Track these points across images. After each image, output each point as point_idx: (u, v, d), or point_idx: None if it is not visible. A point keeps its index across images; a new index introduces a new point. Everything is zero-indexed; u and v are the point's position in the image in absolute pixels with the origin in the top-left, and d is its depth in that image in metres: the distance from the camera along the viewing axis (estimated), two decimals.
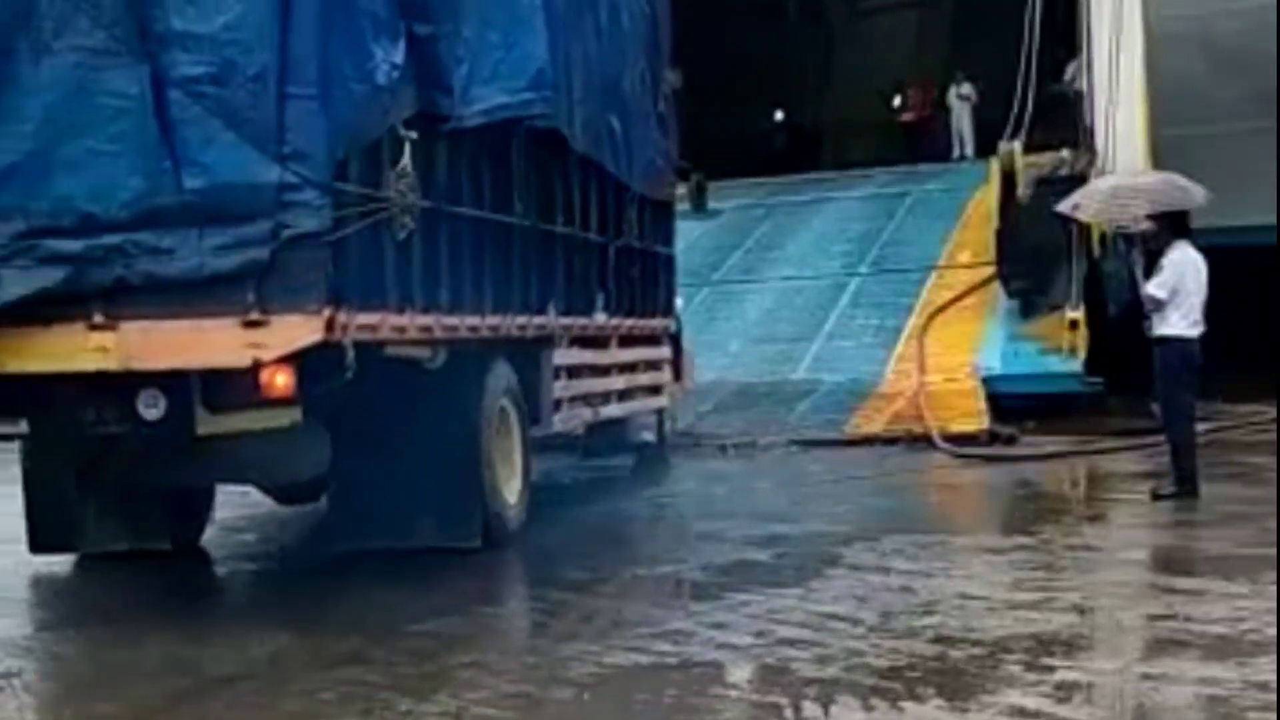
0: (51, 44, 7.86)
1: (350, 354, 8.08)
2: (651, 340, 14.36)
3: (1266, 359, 15.45)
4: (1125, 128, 18.12)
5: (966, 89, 29.31)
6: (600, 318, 12.56)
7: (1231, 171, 16.59)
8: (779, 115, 34.06)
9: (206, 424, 8.30)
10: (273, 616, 9.22)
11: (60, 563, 10.88)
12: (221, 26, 7.75)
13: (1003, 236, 18.58)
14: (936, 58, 31.82)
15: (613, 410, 13.29)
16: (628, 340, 13.49)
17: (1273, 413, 14.57)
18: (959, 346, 17.44)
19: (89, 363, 7.95)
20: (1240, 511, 11.19)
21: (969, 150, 28.78)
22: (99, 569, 10.70)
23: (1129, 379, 14.67)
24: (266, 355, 7.81)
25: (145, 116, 7.77)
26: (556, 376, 11.54)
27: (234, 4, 7.76)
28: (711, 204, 24.84)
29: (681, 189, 15.86)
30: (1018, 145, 19.40)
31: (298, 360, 7.92)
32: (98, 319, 7.91)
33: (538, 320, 10.99)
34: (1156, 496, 11.85)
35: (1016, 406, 15.50)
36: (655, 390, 14.62)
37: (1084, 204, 13.12)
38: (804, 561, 10.17)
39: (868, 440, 15.04)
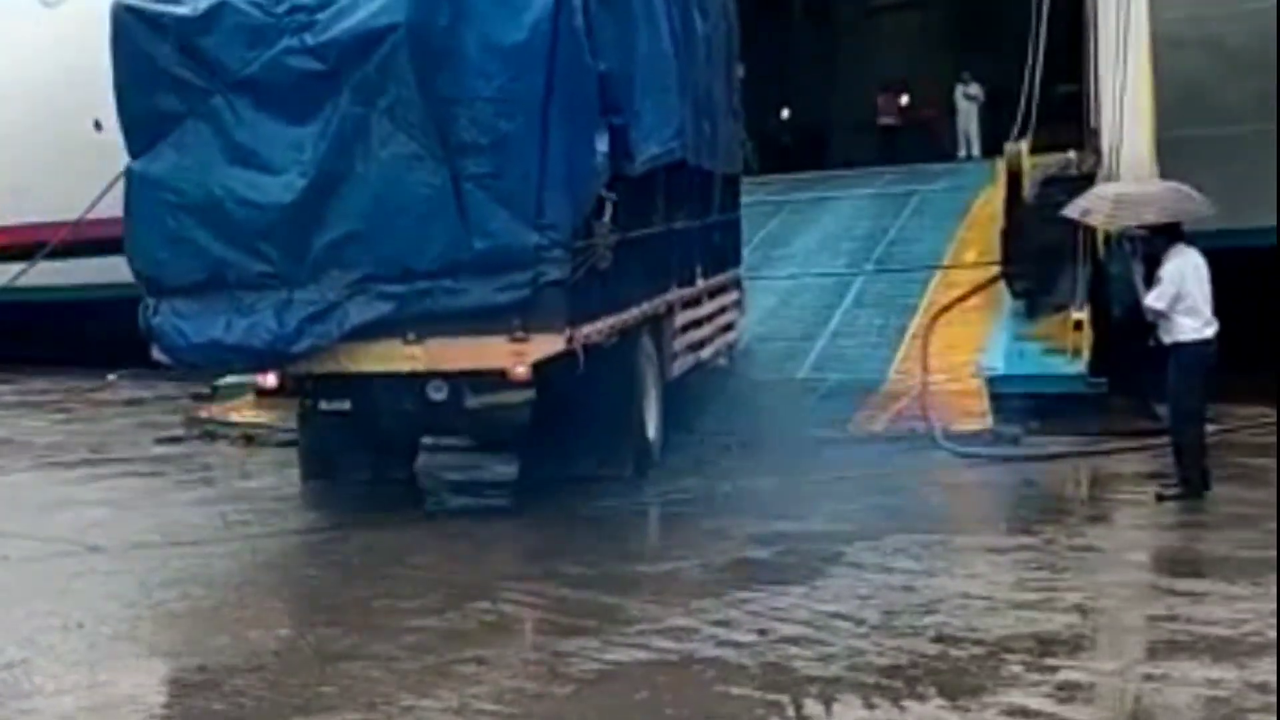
0: (379, 152, 11.22)
1: (582, 357, 11.36)
2: (727, 289, 17.18)
3: (1266, 360, 15.42)
4: (1131, 129, 18.09)
5: (974, 89, 29.31)
6: (700, 283, 15.51)
7: (1237, 174, 16.55)
8: (785, 114, 34.02)
9: (471, 401, 11.49)
10: (277, 608, 9.24)
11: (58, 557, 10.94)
12: (499, 140, 11.05)
13: (1008, 237, 18.54)
14: (943, 57, 31.78)
15: (705, 353, 15.86)
16: (713, 292, 16.26)
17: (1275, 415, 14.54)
18: (963, 346, 17.37)
19: (403, 366, 11.39)
20: (1243, 513, 11.17)
21: (975, 150, 28.77)
22: (81, 556, 10.75)
23: (1133, 380, 14.65)
24: (526, 361, 11.15)
25: (446, 200, 11.11)
26: (674, 336, 14.37)
27: (507, 125, 11.03)
28: None
29: None
30: (1024, 145, 19.37)
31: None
32: (410, 336, 11.30)
33: (667, 298, 14.04)
34: (1160, 498, 11.84)
35: (1020, 406, 15.47)
36: (729, 328, 17.30)
37: (1093, 210, 12.98)
38: (806, 560, 10.17)
39: (871, 439, 15.01)
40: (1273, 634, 7.70)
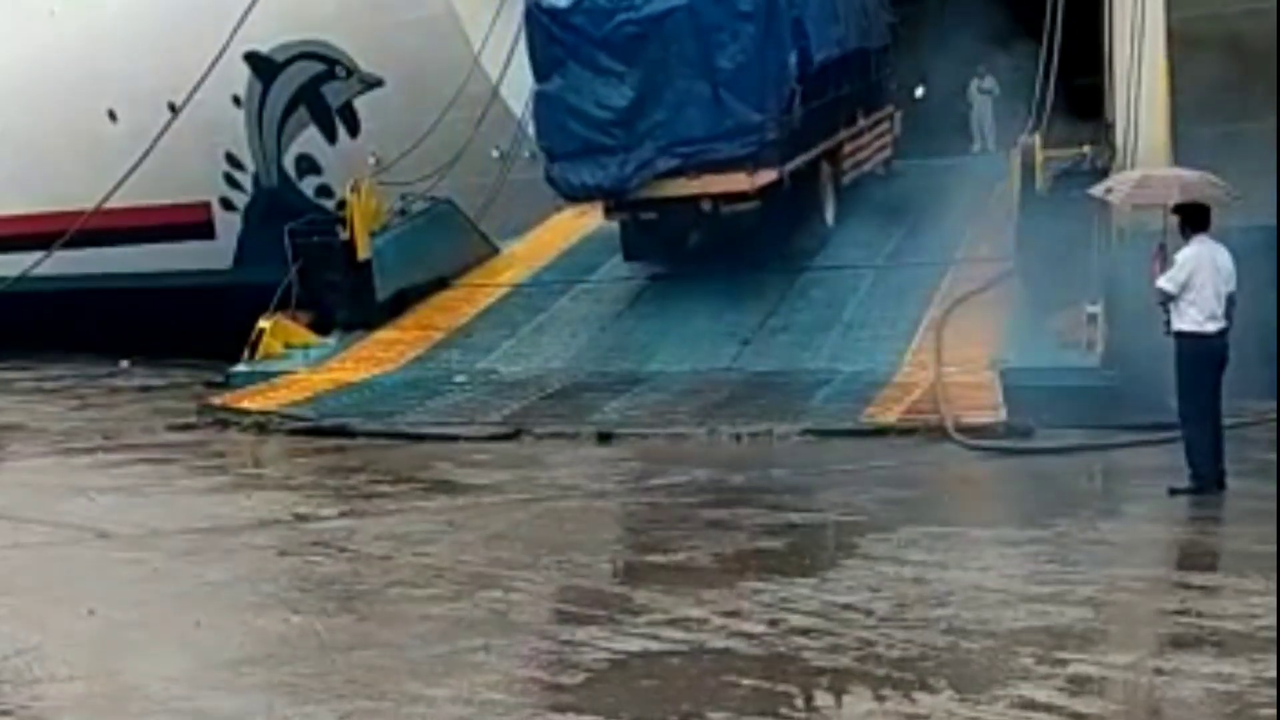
0: (673, 75, 18.99)
1: (787, 182, 19.24)
2: (882, 121, 24.79)
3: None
4: (1146, 124, 18.03)
5: (989, 83, 29.23)
6: (861, 122, 23.29)
7: (1251, 171, 16.45)
8: None
9: (724, 210, 19.23)
10: (288, 595, 9.24)
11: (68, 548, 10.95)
12: (739, 64, 18.85)
13: (1022, 229, 18.50)
14: (960, 50, 31.67)
15: (866, 166, 23.65)
16: (872, 125, 24.08)
17: None
18: (976, 339, 17.30)
19: (688, 191, 19.17)
20: (1257, 508, 11.13)
21: (990, 144, 28.69)
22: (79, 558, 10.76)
23: (1146, 373, 14.59)
24: (756, 185, 18.86)
25: (708, 100, 18.87)
26: (844, 159, 22.53)
27: (741, 57, 18.81)
28: None
29: None
30: (1037, 139, 19.31)
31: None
32: (690, 174, 19.07)
33: (838, 137, 21.84)
34: (1173, 492, 11.81)
35: (1033, 400, 15.43)
36: (884, 148, 24.85)
37: (1115, 189, 13.26)
38: (818, 551, 10.16)
39: (883, 431, 15.00)
40: None
